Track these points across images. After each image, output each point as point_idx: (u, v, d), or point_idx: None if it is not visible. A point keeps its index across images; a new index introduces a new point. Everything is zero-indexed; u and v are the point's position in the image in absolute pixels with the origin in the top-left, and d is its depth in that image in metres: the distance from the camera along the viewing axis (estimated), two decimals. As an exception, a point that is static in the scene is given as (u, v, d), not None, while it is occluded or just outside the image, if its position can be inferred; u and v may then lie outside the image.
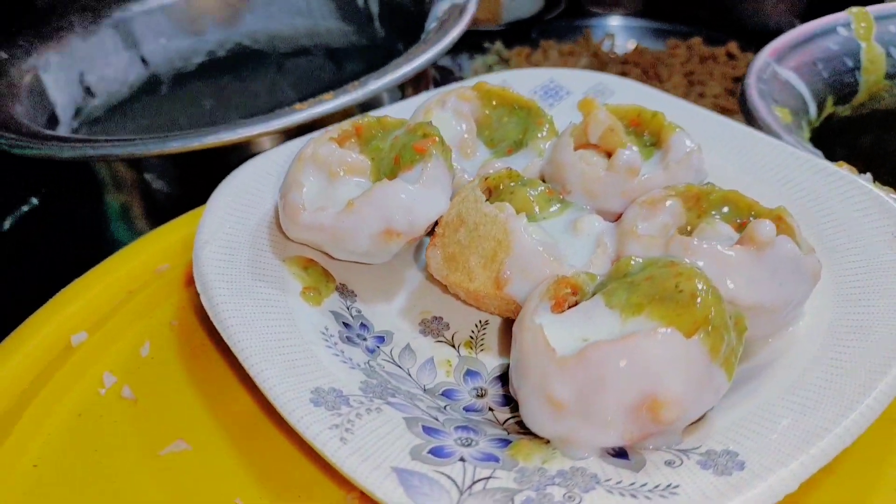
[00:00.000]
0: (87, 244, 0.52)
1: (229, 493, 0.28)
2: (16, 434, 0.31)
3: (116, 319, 0.36)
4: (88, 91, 0.65)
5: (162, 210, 0.52)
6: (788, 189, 0.36)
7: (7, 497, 0.28)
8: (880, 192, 0.34)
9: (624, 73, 1.03)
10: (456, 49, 1.14)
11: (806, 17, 1.26)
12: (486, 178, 0.34)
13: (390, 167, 0.34)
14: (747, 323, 0.26)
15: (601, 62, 1.05)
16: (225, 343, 0.33)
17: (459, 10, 0.53)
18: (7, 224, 0.55)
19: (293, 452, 0.29)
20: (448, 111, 0.39)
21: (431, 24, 0.53)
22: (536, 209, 0.33)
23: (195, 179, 0.51)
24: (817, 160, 0.37)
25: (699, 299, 0.25)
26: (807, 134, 0.52)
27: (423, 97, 0.44)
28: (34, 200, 0.56)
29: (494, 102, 0.40)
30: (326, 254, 0.34)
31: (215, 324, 0.30)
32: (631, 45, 1.12)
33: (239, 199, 0.37)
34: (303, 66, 0.80)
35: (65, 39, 0.62)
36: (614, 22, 1.16)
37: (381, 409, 0.27)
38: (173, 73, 0.72)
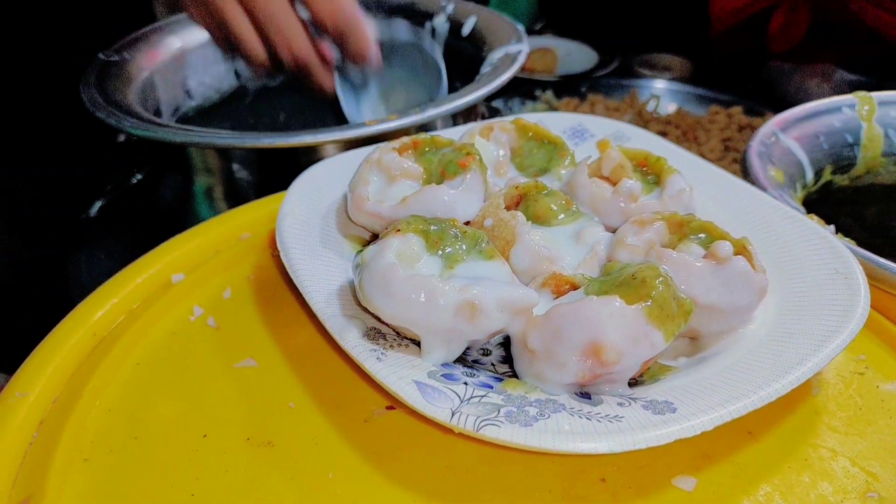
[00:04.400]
0: (177, 216, 0.62)
1: (285, 399, 0.36)
2: (124, 340, 0.40)
3: (206, 268, 0.45)
4: (188, 94, 0.76)
5: (239, 194, 0.61)
6: (760, 229, 0.44)
7: (114, 387, 0.37)
8: (836, 240, 0.42)
9: (664, 134, 1.10)
10: (510, 93, 1.23)
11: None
12: (516, 186, 0.42)
13: (438, 176, 0.43)
14: (693, 307, 0.34)
15: (644, 121, 1.12)
16: (291, 294, 0.42)
17: (511, 59, 0.62)
18: (116, 194, 0.66)
19: (336, 374, 0.37)
20: (490, 139, 0.48)
21: (486, 69, 0.63)
22: (555, 215, 0.42)
23: (271, 172, 0.61)
24: (789, 210, 0.45)
25: (646, 282, 0.33)
26: (800, 195, 0.59)
27: (470, 125, 0.53)
28: (139, 176, 0.67)
29: (529, 135, 0.49)
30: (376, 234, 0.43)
31: (290, 273, 0.39)
32: (674, 107, 1.19)
33: (314, 187, 0.46)
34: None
35: (176, 48, 0.73)
36: (661, 84, 1.24)
37: (409, 346, 0.35)
38: (259, 86, 0.83)
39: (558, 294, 0.37)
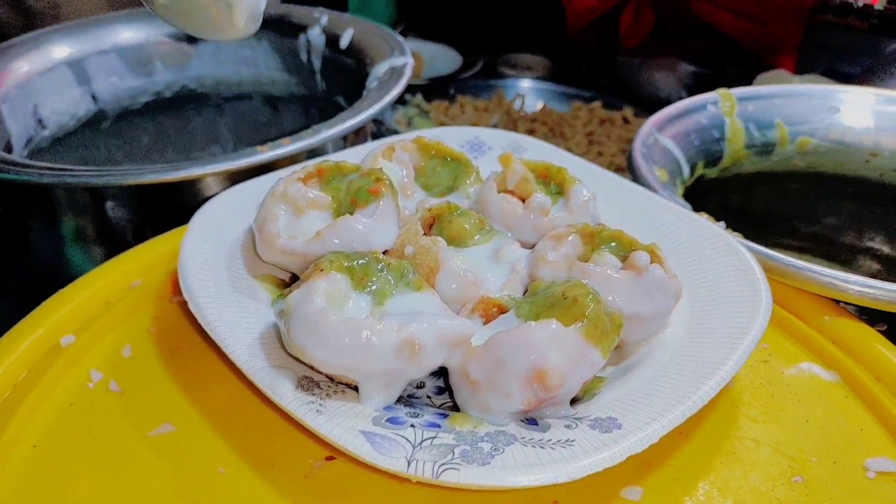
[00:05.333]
0: (46, 264, 0.56)
1: (213, 465, 0.33)
2: (16, 420, 0.35)
3: (98, 325, 0.41)
4: (40, 123, 0.69)
5: (116, 235, 0.56)
6: (661, 231, 0.46)
7: (11, 474, 0.33)
8: (730, 237, 0.45)
9: (532, 131, 1.14)
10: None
11: (691, 90, 1.43)
12: (429, 209, 0.42)
13: (348, 204, 0.41)
14: (622, 321, 0.35)
15: (512, 119, 1.15)
16: (201, 344, 0.39)
17: (398, 73, 0.61)
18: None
19: (266, 430, 0.35)
20: (392, 159, 0.47)
21: (372, 84, 0.61)
22: (471, 235, 0.41)
23: (151, 209, 0.56)
24: (683, 210, 0.48)
25: (579, 301, 0.33)
26: (680, 190, 0.63)
27: (367, 146, 0.52)
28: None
29: (432, 153, 0.48)
30: (294, 274, 0.41)
31: (203, 325, 0.36)
32: (539, 105, 1.23)
33: (214, 225, 0.43)
34: (241, 109, 0.86)
35: (23, 73, 0.66)
36: (525, 84, 1.29)
37: (346, 391, 0.33)
38: (119, 110, 0.77)
39: (487, 318, 0.36)
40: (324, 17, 0.74)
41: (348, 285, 0.35)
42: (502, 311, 0.37)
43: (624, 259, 0.40)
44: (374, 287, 0.35)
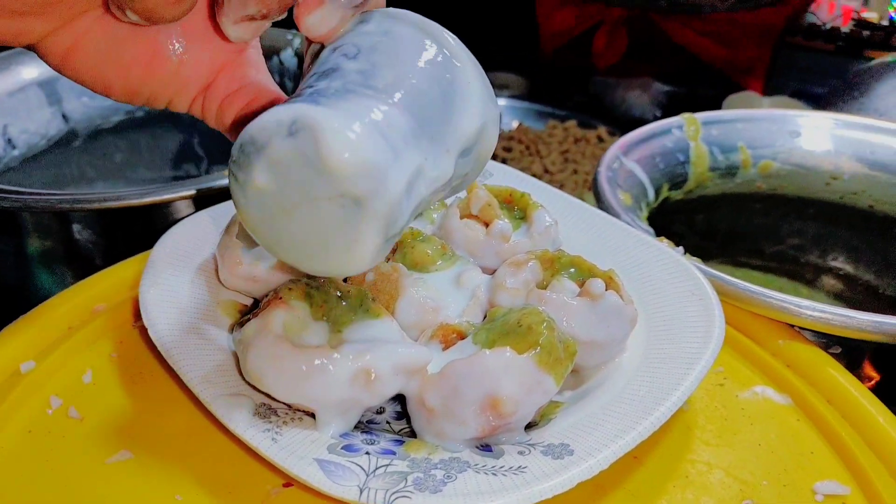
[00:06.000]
0: (7, 282, 0.56)
1: (170, 492, 0.33)
2: (-29, 448, 0.35)
3: (60, 351, 0.41)
4: (10, 143, 0.68)
5: (83, 257, 0.56)
6: (620, 257, 0.47)
7: (-35, 501, 0.33)
8: (686, 262, 0.46)
9: (508, 149, 1.16)
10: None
11: (665, 108, 1.45)
12: (390, 236, 0.42)
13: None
14: (577, 348, 0.36)
15: (488, 138, 1.16)
16: (162, 370, 0.40)
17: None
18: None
19: (223, 456, 0.35)
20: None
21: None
22: (433, 260, 0.42)
23: (119, 230, 0.56)
24: (643, 235, 0.49)
25: (533, 329, 0.34)
26: (645, 213, 0.64)
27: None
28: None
29: (396, 178, 0.49)
30: (256, 300, 0.41)
31: (162, 353, 0.36)
32: (514, 123, 1.25)
33: (176, 251, 0.43)
34: (214, 129, 0.86)
35: (-9, 94, 0.66)
36: (501, 102, 1.30)
37: (303, 418, 0.34)
38: (91, 129, 0.77)
39: (447, 344, 0.37)
40: (296, 39, 0.75)
41: (307, 313, 0.35)
42: (461, 337, 0.37)
43: (582, 285, 0.41)
44: (332, 314, 0.35)
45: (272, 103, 0.31)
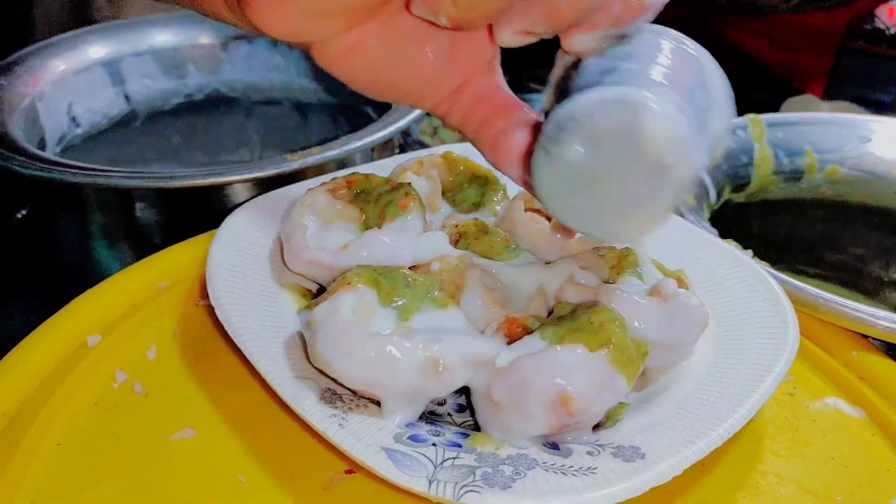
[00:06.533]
0: (75, 260, 0.57)
1: (234, 472, 0.33)
2: (40, 418, 0.36)
3: (125, 326, 0.41)
4: (74, 121, 0.70)
5: (143, 236, 0.57)
6: (687, 257, 0.46)
7: (35, 471, 0.33)
8: (757, 266, 0.44)
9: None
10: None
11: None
12: (456, 225, 0.42)
13: (376, 217, 0.42)
14: (648, 349, 0.35)
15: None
16: (225, 349, 0.40)
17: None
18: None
19: (287, 439, 0.35)
20: (421, 174, 0.47)
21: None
22: (497, 253, 0.41)
23: (179, 211, 0.57)
24: (712, 237, 0.47)
25: (605, 327, 0.33)
26: (707, 215, 0.63)
27: (395, 159, 0.52)
28: (23, 212, 0.60)
29: (460, 169, 0.48)
30: (320, 285, 0.41)
31: (230, 333, 0.36)
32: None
33: (241, 233, 0.43)
34: (270, 114, 0.87)
35: (59, 72, 0.67)
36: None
37: (368, 405, 0.33)
38: (151, 111, 0.78)
39: (512, 338, 0.36)
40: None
41: (375, 299, 0.35)
42: (527, 331, 0.37)
43: (649, 284, 0.40)
44: (400, 303, 0.35)
45: (515, 108, 0.34)
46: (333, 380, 0.33)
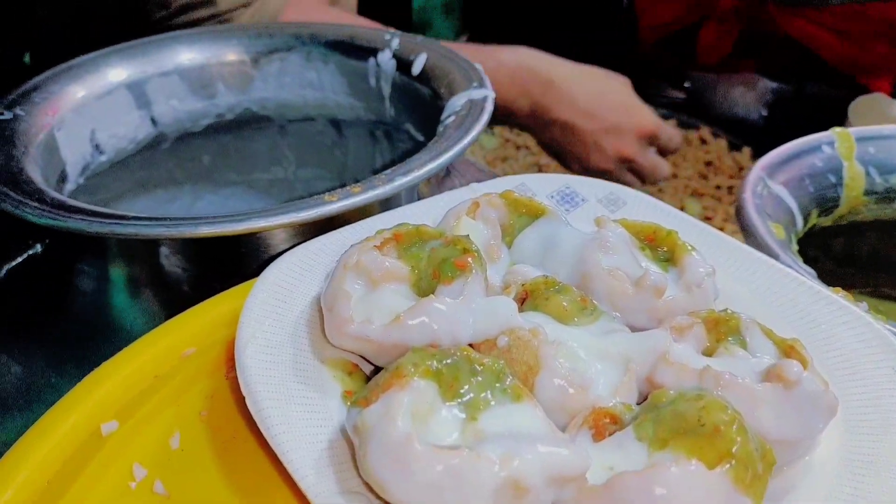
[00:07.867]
0: (87, 309, 0.52)
1: None
2: (47, 529, 0.31)
3: (146, 408, 0.36)
4: (97, 148, 0.65)
5: (169, 286, 0.52)
6: (793, 315, 0.39)
7: None
8: (879, 326, 0.37)
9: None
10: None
11: (772, 108, 1.33)
12: (523, 284, 0.36)
13: (429, 277, 0.36)
14: (774, 456, 0.28)
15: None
16: (257, 436, 0.34)
17: (479, 107, 0.55)
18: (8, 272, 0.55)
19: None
20: (477, 217, 0.41)
21: (449, 118, 0.55)
22: (570, 316, 0.35)
23: (209, 258, 0.52)
24: (819, 288, 0.40)
25: (722, 432, 0.27)
26: (794, 247, 0.55)
27: (446, 197, 0.46)
28: (38, 247, 0.56)
29: (522, 210, 0.42)
30: (367, 360, 0.35)
31: (261, 429, 0.31)
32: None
33: (277, 294, 0.37)
34: (304, 131, 0.81)
35: (80, 98, 0.63)
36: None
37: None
38: (179, 133, 0.73)
39: (598, 432, 0.30)
40: (395, 39, 0.69)
41: (435, 394, 0.29)
42: (615, 422, 0.31)
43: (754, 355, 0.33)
44: (466, 397, 0.29)
45: None
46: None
